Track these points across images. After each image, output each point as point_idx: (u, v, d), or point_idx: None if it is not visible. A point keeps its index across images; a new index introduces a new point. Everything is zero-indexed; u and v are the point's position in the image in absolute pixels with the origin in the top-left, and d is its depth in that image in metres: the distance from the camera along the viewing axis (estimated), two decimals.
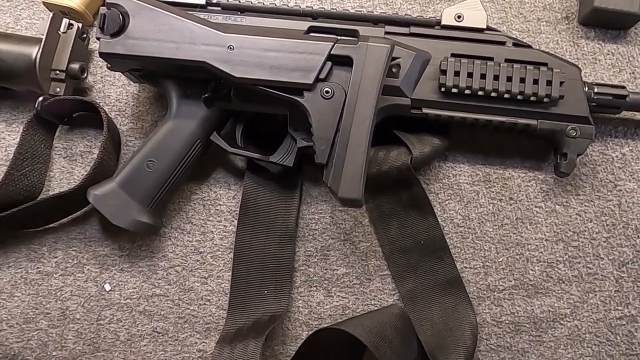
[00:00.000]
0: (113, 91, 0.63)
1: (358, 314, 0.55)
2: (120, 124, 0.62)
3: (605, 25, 0.63)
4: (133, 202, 0.54)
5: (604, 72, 0.62)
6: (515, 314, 0.55)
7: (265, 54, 0.51)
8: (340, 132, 0.50)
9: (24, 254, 0.58)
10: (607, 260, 0.56)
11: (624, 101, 0.56)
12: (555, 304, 0.55)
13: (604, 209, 0.58)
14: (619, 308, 0.55)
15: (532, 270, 0.56)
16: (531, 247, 0.57)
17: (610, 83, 0.59)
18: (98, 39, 0.52)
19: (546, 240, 0.57)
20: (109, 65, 0.56)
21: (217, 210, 0.59)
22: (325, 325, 0.53)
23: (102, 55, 0.53)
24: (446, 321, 0.54)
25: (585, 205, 0.58)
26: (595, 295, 0.56)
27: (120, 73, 0.59)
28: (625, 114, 0.59)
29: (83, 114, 0.62)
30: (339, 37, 0.53)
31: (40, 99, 0.57)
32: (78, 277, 0.58)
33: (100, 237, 0.59)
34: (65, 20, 0.60)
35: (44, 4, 0.63)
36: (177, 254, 0.58)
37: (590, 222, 0.57)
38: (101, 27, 0.52)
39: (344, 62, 0.51)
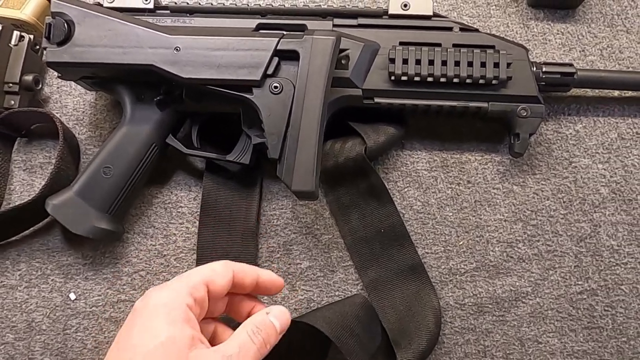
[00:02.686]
0: (70, 101, 0.63)
1: (322, 306, 0.56)
2: (78, 133, 0.62)
3: (553, 5, 0.64)
4: (91, 210, 0.54)
5: (554, 51, 0.63)
6: (478, 295, 0.56)
7: (211, 53, 0.52)
8: (291, 126, 0.50)
9: None
10: (566, 237, 0.57)
11: (572, 78, 0.57)
12: (517, 283, 0.56)
13: (560, 186, 0.58)
14: (579, 283, 0.56)
15: (492, 251, 0.57)
16: (490, 228, 0.57)
17: (558, 62, 0.60)
18: (44, 48, 0.53)
19: (505, 220, 0.58)
20: (59, 75, 0.56)
21: (179, 212, 0.59)
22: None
23: (50, 64, 0.53)
24: (409, 307, 0.54)
25: (542, 184, 0.58)
26: (556, 271, 0.56)
27: (75, 83, 0.59)
28: (577, 92, 0.60)
29: (41, 126, 0.62)
30: (285, 33, 0.53)
31: None
32: (42, 288, 0.57)
33: (63, 247, 0.59)
34: (15, 33, 0.60)
35: None
36: (141, 259, 0.58)
37: (548, 200, 0.58)
38: (47, 37, 0.53)
39: (291, 56, 0.51)
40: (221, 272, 0.43)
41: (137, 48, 0.52)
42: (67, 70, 0.55)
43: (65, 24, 0.52)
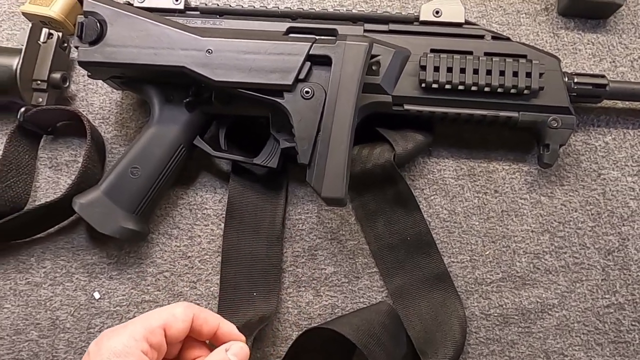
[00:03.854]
0: (96, 99, 0.63)
1: (347, 313, 0.56)
2: (104, 132, 0.62)
3: (584, 15, 0.63)
4: (119, 210, 0.54)
5: (584, 61, 0.62)
6: (504, 306, 0.56)
7: (243, 56, 0.51)
8: (322, 131, 0.50)
9: (12, 265, 0.58)
10: (593, 249, 0.57)
11: (604, 90, 0.56)
12: (543, 295, 0.56)
13: (589, 198, 0.58)
14: (606, 296, 0.56)
15: (519, 262, 0.57)
16: (517, 239, 0.57)
17: (590, 73, 0.59)
18: (76, 47, 0.53)
19: (532, 231, 0.57)
20: (89, 74, 0.56)
21: (204, 214, 0.59)
22: (315, 325, 0.53)
23: (81, 63, 0.53)
24: (435, 316, 0.54)
25: (570, 195, 0.58)
26: (583, 284, 0.56)
27: (104, 81, 0.58)
28: (607, 103, 0.60)
29: (67, 124, 0.62)
30: (317, 37, 0.53)
31: (23, 109, 0.57)
32: (67, 286, 0.58)
33: (87, 245, 0.59)
34: (45, 30, 0.60)
35: (24, 14, 0.63)
36: (165, 260, 0.58)
37: (576, 211, 0.58)
38: (79, 36, 0.52)
39: (323, 61, 0.51)
40: (180, 317, 0.41)
41: (169, 49, 0.52)
42: (97, 70, 0.55)
43: (98, 24, 0.52)
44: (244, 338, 0.44)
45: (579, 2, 0.61)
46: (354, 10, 0.60)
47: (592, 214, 0.58)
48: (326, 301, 0.57)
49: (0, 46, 0.61)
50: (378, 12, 0.58)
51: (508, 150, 0.60)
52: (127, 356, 0.38)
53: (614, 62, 0.62)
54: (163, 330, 0.40)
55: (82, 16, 0.53)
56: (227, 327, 0.44)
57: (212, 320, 0.43)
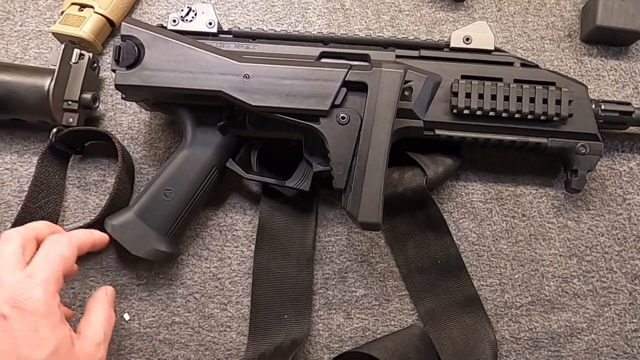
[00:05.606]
0: (125, 119, 0.64)
1: (378, 336, 0.56)
2: (133, 152, 0.62)
3: (607, 42, 0.65)
4: (151, 232, 0.54)
5: (607, 87, 0.63)
6: (533, 329, 0.56)
7: (280, 82, 0.52)
8: (358, 156, 0.50)
9: None
10: (620, 274, 0.57)
11: (630, 117, 0.57)
12: (572, 319, 0.56)
13: (615, 222, 0.59)
14: (634, 320, 0.56)
15: (547, 285, 0.57)
16: (545, 262, 0.58)
17: (617, 100, 0.61)
18: (114, 70, 0.53)
19: (560, 255, 0.58)
20: (123, 96, 0.56)
21: (234, 235, 0.60)
22: (348, 349, 0.53)
23: (118, 87, 0.53)
24: (466, 340, 0.55)
25: (596, 220, 0.59)
26: (611, 308, 0.57)
27: (136, 103, 0.59)
28: (631, 129, 0.61)
29: (95, 143, 0.62)
30: (352, 64, 0.53)
31: (55, 130, 0.58)
32: None
33: (117, 266, 0.59)
34: (76, 51, 0.60)
35: (54, 34, 0.63)
36: (196, 281, 0.58)
37: (602, 236, 0.59)
38: (117, 59, 0.53)
39: (359, 87, 0.52)
40: (71, 256, 0.47)
41: (207, 74, 0.52)
42: (133, 92, 0.55)
43: (136, 48, 0.53)
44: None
45: (602, 29, 0.62)
46: (382, 35, 0.61)
47: (618, 239, 0.58)
48: (357, 324, 0.57)
49: (30, 66, 0.61)
50: (409, 38, 0.59)
51: (535, 174, 0.61)
52: (51, 315, 0.42)
53: (636, 88, 0.63)
54: (62, 273, 0.45)
55: (120, 39, 0.53)
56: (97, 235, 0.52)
57: (86, 241, 0.50)
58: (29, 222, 0.55)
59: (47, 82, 0.58)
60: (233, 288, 0.58)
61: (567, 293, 0.57)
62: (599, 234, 0.59)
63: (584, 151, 0.56)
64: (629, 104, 0.58)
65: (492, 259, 0.58)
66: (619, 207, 0.59)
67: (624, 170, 0.61)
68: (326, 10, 0.67)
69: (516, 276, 0.58)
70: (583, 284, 0.57)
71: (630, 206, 0.59)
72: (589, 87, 0.63)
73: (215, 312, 0.57)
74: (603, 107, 0.57)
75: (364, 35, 0.58)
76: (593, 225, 0.59)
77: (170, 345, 0.57)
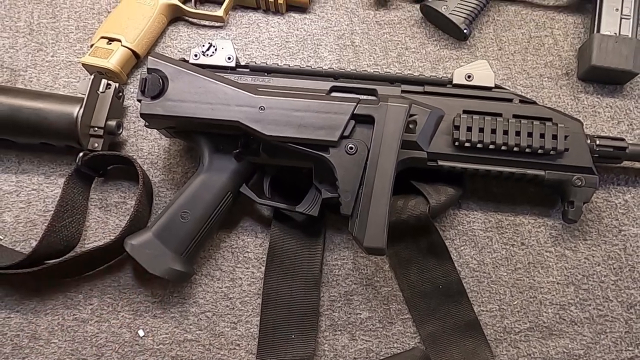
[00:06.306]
0: (145, 145, 0.68)
1: (382, 357, 0.58)
2: (152, 176, 0.66)
3: (602, 80, 0.68)
4: (168, 252, 0.57)
5: (603, 124, 0.67)
6: (532, 355, 0.58)
7: (293, 113, 0.56)
8: (364, 185, 0.54)
9: (61, 301, 0.61)
10: (616, 302, 0.60)
11: (624, 152, 0.60)
12: (569, 345, 0.58)
13: (611, 253, 0.61)
14: (630, 349, 0.58)
15: (545, 312, 0.59)
16: (544, 290, 0.60)
17: (611, 136, 0.64)
18: (139, 100, 0.57)
19: (557, 283, 0.60)
20: (147, 123, 0.60)
21: (245, 257, 0.63)
22: None
23: (143, 115, 0.57)
24: None
25: (593, 250, 0.61)
26: (607, 336, 0.59)
27: (157, 130, 0.63)
28: (626, 163, 0.64)
29: (117, 167, 0.66)
30: (361, 97, 0.57)
31: (81, 154, 0.62)
32: (113, 323, 0.60)
33: (133, 284, 0.62)
34: (104, 81, 0.65)
35: (83, 65, 0.68)
36: (208, 300, 0.61)
37: (598, 265, 0.61)
38: (142, 90, 0.57)
39: (366, 120, 0.55)
40: None
41: (225, 105, 0.56)
42: (156, 121, 0.59)
43: (160, 80, 0.57)
44: None
45: (597, 69, 0.66)
46: (389, 71, 0.65)
47: (614, 268, 0.61)
48: (361, 345, 0.59)
49: (61, 94, 0.66)
50: (413, 74, 0.63)
51: (533, 205, 0.63)
52: None
53: (631, 124, 0.66)
54: None
55: (146, 72, 0.57)
56: None
57: None
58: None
59: (76, 110, 0.62)
60: (243, 308, 0.61)
61: (564, 320, 0.59)
62: (595, 264, 0.61)
63: (580, 184, 0.58)
64: (622, 139, 0.61)
65: (492, 285, 0.61)
66: (614, 238, 0.62)
67: (620, 203, 0.63)
68: (337, 47, 0.72)
69: (515, 303, 0.60)
70: (580, 311, 0.59)
71: (626, 237, 0.62)
72: (585, 123, 0.66)
73: (225, 331, 0.60)
74: (598, 142, 0.60)
75: (372, 71, 0.62)
76: (590, 255, 0.61)
77: None
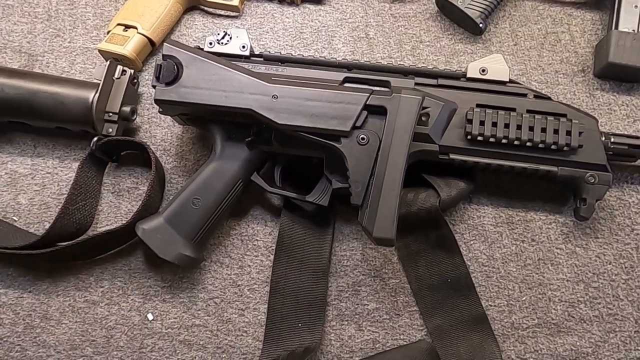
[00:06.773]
0: (159, 132, 0.68)
1: (388, 349, 0.58)
2: (165, 163, 0.67)
3: (619, 78, 0.67)
4: (179, 237, 0.58)
5: (619, 121, 0.66)
6: (539, 351, 0.58)
7: (306, 103, 0.56)
8: (375, 175, 0.54)
9: (73, 283, 0.62)
10: (627, 302, 0.59)
11: (639, 150, 0.60)
12: (578, 343, 0.58)
13: (622, 251, 0.61)
14: (639, 348, 0.58)
15: (554, 309, 0.59)
16: (553, 287, 0.60)
17: (626, 133, 0.63)
18: (154, 86, 0.57)
19: (567, 280, 0.60)
20: (160, 110, 0.61)
21: (255, 245, 0.63)
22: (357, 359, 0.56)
23: (157, 101, 0.58)
24: (473, 357, 0.56)
25: (604, 248, 0.61)
26: (616, 335, 0.58)
27: (171, 117, 0.63)
28: None
29: (130, 152, 0.67)
30: (373, 89, 0.57)
31: (95, 139, 0.62)
32: (123, 306, 0.61)
33: (144, 269, 0.62)
34: (119, 67, 0.66)
35: (100, 51, 0.69)
36: (216, 287, 0.62)
37: (610, 264, 0.60)
38: (157, 76, 0.57)
39: (379, 111, 0.55)
40: None
41: (238, 93, 0.56)
42: (170, 107, 0.59)
43: (175, 66, 0.57)
44: None
45: (614, 66, 0.65)
46: (403, 63, 0.64)
47: (625, 267, 0.60)
48: (368, 336, 0.59)
49: (77, 80, 0.66)
50: (428, 67, 0.62)
51: (545, 201, 0.63)
52: None
53: None
54: None
55: (161, 59, 0.58)
56: None
57: None
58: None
59: (91, 95, 0.63)
60: (251, 295, 0.61)
61: (573, 317, 0.59)
62: (606, 262, 0.60)
63: (593, 181, 0.58)
64: (638, 137, 0.60)
65: (500, 280, 0.60)
66: (626, 236, 0.61)
67: (633, 202, 0.63)
68: (351, 39, 0.72)
69: (524, 298, 0.59)
70: (589, 309, 0.59)
71: (638, 236, 0.61)
72: (600, 120, 0.66)
73: (233, 317, 0.60)
74: (613, 139, 0.59)
75: (385, 63, 0.62)
76: (601, 253, 0.61)
77: (190, 346, 0.60)
